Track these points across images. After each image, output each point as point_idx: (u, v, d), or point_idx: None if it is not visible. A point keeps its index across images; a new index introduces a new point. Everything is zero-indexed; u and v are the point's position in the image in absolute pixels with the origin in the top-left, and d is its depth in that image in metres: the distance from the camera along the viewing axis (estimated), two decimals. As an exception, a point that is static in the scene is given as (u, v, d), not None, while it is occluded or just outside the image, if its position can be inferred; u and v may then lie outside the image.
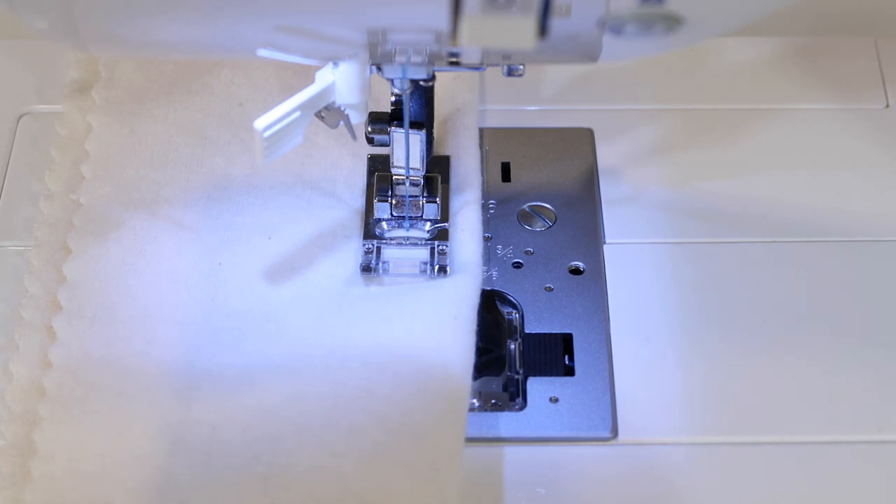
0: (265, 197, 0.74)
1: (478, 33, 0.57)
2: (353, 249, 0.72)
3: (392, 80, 0.67)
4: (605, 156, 0.78)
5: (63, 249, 0.72)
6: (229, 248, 0.72)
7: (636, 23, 0.59)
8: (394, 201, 0.72)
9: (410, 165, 0.71)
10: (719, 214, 0.75)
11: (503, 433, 0.67)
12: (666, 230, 0.75)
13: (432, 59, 0.65)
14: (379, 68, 0.66)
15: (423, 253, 0.72)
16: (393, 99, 0.68)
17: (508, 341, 0.71)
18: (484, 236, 0.74)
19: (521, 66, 0.67)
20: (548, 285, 0.72)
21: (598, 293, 0.72)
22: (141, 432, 0.64)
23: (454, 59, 0.65)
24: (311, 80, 0.65)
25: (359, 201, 0.74)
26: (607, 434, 0.67)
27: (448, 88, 0.78)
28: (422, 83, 0.68)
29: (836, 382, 0.69)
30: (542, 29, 0.58)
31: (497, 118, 0.80)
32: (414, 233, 0.73)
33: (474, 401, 0.69)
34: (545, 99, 0.81)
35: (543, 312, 0.71)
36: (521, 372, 0.69)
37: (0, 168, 0.77)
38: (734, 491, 0.65)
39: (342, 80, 0.65)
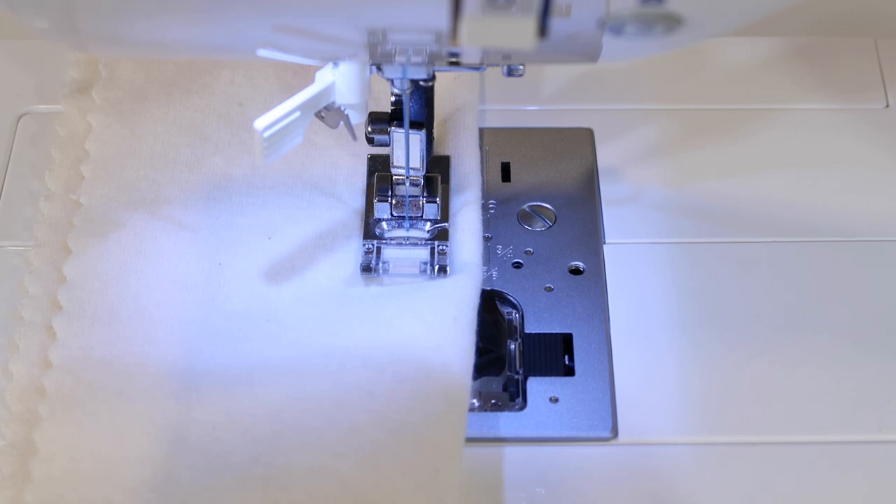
0: (265, 197, 0.74)
1: (478, 33, 0.57)
2: (353, 249, 0.72)
3: (392, 80, 0.67)
4: (605, 156, 0.78)
5: (63, 249, 0.72)
6: (229, 248, 0.72)
7: (636, 23, 0.59)
8: (394, 201, 0.72)
9: (410, 165, 0.71)
10: (719, 214, 0.75)
11: (503, 433, 0.67)
12: (666, 230, 0.75)
13: (432, 59, 0.65)
14: (379, 68, 0.66)
15: (423, 253, 0.72)
16: (393, 99, 0.68)
17: (508, 341, 0.71)
18: (484, 236, 0.74)
19: (521, 66, 0.66)
20: (548, 285, 0.72)
21: (598, 293, 0.72)
22: (141, 432, 0.64)
23: (454, 59, 0.65)
24: (311, 80, 0.65)
25: (359, 201, 0.74)
26: (607, 434, 0.67)
27: (448, 88, 0.78)
28: (422, 83, 0.68)
29: (836, 382, 0.69)
30: (542, 29, 0.58)
31: (497, 118, 0.80)
32: (414, 233, 0.73)
33: (474, 401, 0.69)
34: (545, 99, 0.81)
35: (543, 312, 0.71)
36: (521, 372, 0.69)
37: (0, 168, 0.77)
38: (734, 491, 0.65)
39: (342, 80, 0.65)
